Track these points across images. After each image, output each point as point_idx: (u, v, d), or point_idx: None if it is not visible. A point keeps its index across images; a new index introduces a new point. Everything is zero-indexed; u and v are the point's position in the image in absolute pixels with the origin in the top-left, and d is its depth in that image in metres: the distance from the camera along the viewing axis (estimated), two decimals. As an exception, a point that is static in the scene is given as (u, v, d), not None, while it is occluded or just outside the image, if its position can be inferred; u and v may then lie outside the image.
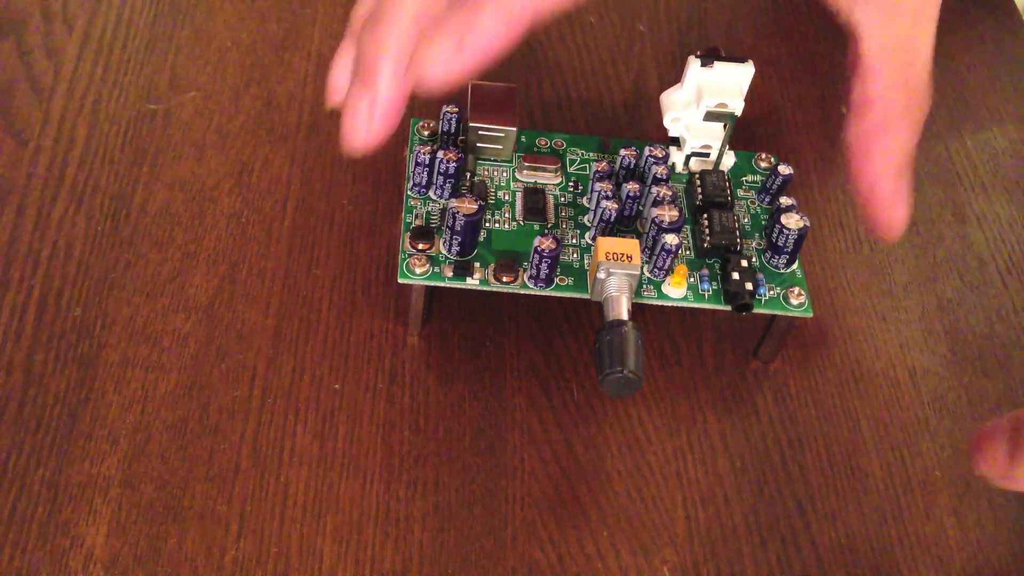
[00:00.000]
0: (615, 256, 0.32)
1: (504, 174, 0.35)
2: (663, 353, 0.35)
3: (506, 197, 0.35)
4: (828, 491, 0.33)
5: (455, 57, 0.27)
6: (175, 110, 0.39)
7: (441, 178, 0.34)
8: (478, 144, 0.35)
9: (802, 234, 0.33)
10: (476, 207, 0.32)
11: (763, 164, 0.37)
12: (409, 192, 0.34)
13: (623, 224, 0.34)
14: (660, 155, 0.35)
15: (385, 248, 0.36)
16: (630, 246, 0.32)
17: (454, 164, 0.33)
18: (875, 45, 0.32)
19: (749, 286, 0.33)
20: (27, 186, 0.37)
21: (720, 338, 0.36)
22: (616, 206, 0.33)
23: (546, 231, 0.33)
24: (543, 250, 0.32)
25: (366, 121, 0.28)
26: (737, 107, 0.34)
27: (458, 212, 0.32)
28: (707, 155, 0.36)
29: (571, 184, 0.35)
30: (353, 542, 0.30)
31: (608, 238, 0.32)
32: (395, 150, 0.39)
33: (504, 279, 0.32)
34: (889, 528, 0.32)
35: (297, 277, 0.35)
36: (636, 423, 0.33)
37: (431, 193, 0.34)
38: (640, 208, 0.34)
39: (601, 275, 0.32)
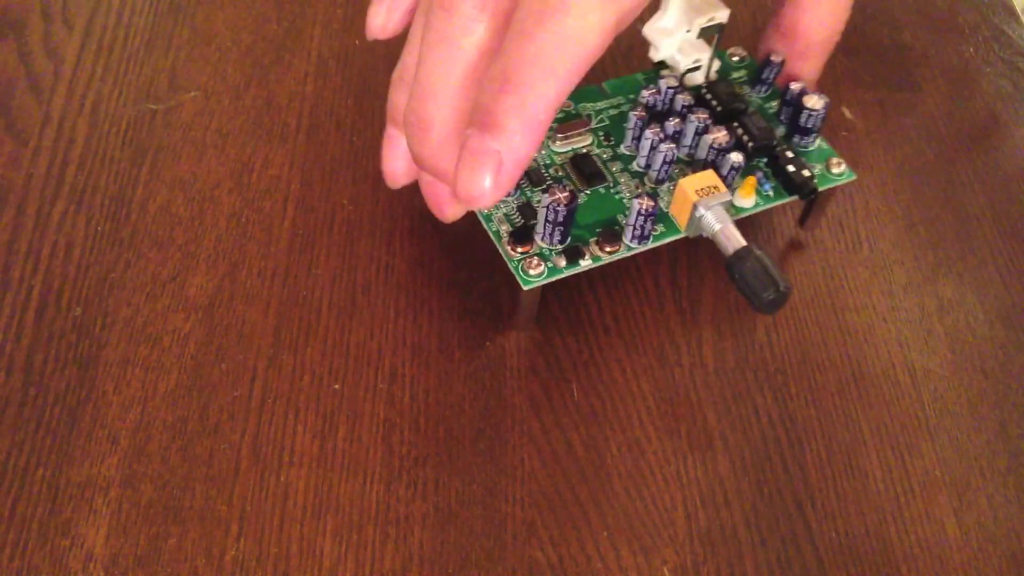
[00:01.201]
0: (704, 191, 0.33)
1: (542, 152, 0.36)
2: (663, 353, 0.35)
3: (559, 173, 0.35)
4: (828, 491, 0.33)
5: (497, 179, 0.27)
6: (175, 110, 0.39)
7: None
8: None
9: (827, 109, 0.35)
10: (569, 193, 0.32)
11: (736, 58, 0.39)
12: None
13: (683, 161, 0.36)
14: (675, 84, 0.36)
15: (385, 248, 0.36)
16: (710, 178, 0.33)
17: None
18: None
19: (806, 172, 0.35)
20: (27, 186, 0.37)
21: (720, 338, 0.36)
22: (674, 145, 0.34)
23: (640, 192, 0.33)
24: (645, 210, 0.32)
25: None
26: (723, 16, 0.36)
27: (559, 205, 0.32)
28: (699, 67, 0.37)
29: (603, 138, 0.36)
30: (353, 542, 0.30)
31: (688, 178, 0.33)
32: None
33: (608, 250, 0.33)
34: (889, 528, 0.32)
35: (297, 277, 0.35)
36: (636, 423, 0.33)
37: None
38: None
39: (700, 212, 0.33)
